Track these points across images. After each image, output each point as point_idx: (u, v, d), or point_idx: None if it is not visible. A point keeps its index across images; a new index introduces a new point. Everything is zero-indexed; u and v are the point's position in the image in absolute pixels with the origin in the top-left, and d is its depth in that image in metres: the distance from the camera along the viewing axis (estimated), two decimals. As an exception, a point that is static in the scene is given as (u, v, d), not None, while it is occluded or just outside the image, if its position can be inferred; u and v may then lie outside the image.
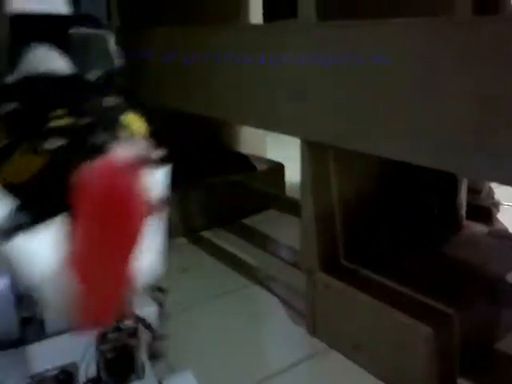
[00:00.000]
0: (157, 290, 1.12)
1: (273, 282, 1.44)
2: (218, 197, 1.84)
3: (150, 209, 0.44)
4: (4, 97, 0.53)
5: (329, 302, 1.17)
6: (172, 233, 1.70)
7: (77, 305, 0.46)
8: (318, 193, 1.18)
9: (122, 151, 0.43)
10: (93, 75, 0.56)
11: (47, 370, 0.83)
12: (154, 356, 0.96)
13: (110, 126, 0.53)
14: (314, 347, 1.17)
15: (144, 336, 0.94)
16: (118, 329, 0.91)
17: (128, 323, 0.92)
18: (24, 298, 0.83)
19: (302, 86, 1.13)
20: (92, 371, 0.87)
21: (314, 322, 1.20)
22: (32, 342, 0.76)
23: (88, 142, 0.51)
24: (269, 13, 2.12)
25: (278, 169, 2.04)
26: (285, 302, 1.34)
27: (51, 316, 0.46)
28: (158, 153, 0.54)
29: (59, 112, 0.53)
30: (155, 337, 0.97)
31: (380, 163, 1.16)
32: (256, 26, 1.85)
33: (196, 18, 1.75)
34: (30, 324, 0.81)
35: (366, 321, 1.10)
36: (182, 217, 1.76)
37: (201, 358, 1.12)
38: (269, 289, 1.41)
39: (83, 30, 0.60)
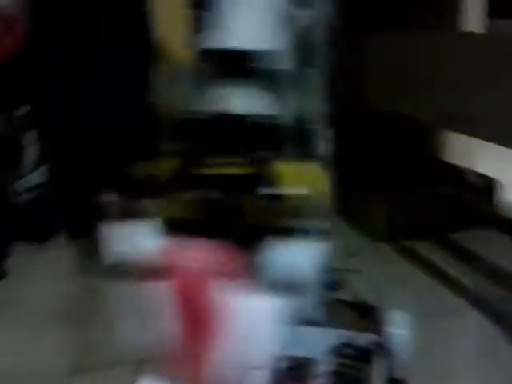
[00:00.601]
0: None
1: (487, 307, 1.34)
2: (426, 207, 1.77)
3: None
4: (183, 133, 0.52)
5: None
6: (375, 237, 1.70)
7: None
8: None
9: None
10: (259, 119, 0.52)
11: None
12: (393, 381, 0.94)
13: (270, 179, 0.50)
14: None
15: (382, 360, 0.93)
16: (354, 347, 0.91)
17: (368, 341, 0.92)
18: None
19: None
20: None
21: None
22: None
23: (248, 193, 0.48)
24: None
25: (490, 183, 1.90)
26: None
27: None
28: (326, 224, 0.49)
29: (231, 159, 0.51)
30: (396, 362, 0.95)
31: None
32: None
33: (412, 23, 1.70)
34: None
35: None
36: (386, 223, 1.74)
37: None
38: (483, 314, 1.31)
39: (289, 68, 0.57)
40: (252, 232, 0.50)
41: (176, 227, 0.47)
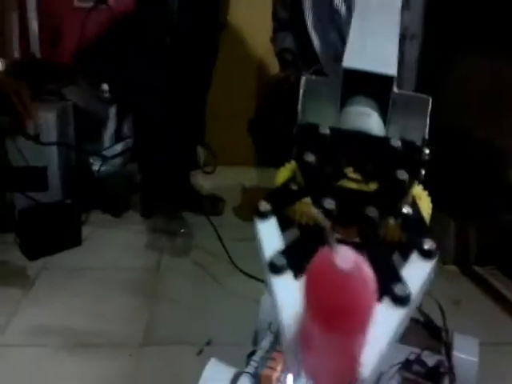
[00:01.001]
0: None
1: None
2: (499, 235, 1.75)
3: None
4: (310, 146, 0.52)
5: None
6: (444, 258, 1.69)
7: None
8: None
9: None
10: (398, 142, 0.52)
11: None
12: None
13: (396, 199, 0.50)
14: None
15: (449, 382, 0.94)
16: (424, 365, 0.92)
17: (437, 362, 0.93)
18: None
19: None
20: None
21: None
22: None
23: (365, 211, 0.48)
24: None
25: None
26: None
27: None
28: (429, 243, 0.49)
29: (352, 174, 0.51)
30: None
31: None
32: None
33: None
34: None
35: None
36: (456, 244, 1.73)
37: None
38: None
39: (405, 93, 0.58)
40: (387, 248, 0.51)
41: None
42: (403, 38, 1.04)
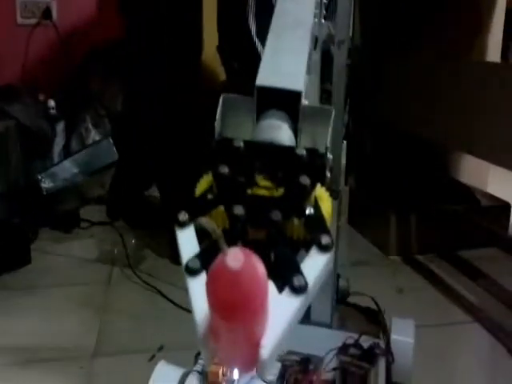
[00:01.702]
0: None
1: (488, 321, 1.40)
2: (438, 224, 1.83)
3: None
4: (225, 158, 0.58)
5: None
6: (387, 250, 1.76)
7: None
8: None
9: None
10: (302, 150, 0.58)
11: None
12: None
13: (299, 202, 0.55)
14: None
15: (384, 364, 0.99)
16: (360, 348, 0.97)
17: (373, 345, 0.98)
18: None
19: None
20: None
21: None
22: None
23: (270, 215, 0.54)
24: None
25: (503, 206, 1.96)
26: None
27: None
28: (326, 238, 0.55)
29: (263, 181, 0.57)
30: (399, 368, 1.01)
31: None
32: None
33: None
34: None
35: None
36: (398, 236, 1.80)
37: None
38: (485, 328, 1.38)
39: (311, 105, 0.64)
40: (290, 245, 0.56)
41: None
42: (331, 45, 1.10)
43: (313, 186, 0.55)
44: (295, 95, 0.60)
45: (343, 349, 0.96)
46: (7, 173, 1.87)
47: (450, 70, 1.58)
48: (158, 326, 1.36)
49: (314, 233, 0.54)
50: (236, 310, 0.41)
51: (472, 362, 1.31)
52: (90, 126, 2.31)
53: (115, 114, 2.32)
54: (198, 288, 0.50)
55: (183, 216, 0.56)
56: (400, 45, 1.85)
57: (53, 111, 2.32)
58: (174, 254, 1.68)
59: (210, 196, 0.57)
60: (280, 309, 0.47)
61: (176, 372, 0.94)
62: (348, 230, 1.98)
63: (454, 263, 1.76)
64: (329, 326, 1.12)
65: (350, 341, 0.98)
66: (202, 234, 0.56)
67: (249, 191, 0.55)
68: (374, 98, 1.89)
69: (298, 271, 0.50)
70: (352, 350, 0.96)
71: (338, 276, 1.18)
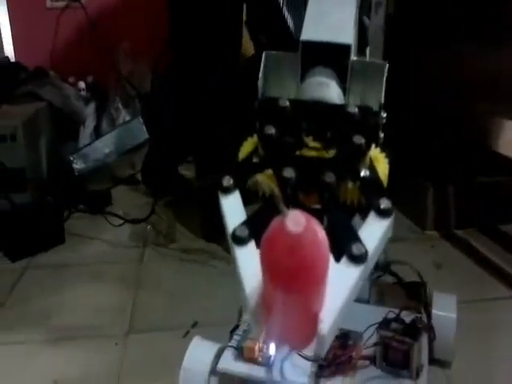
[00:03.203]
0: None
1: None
2: (477, 197, 1.77)
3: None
4: (271, 119, 0.53)
5: None
6: (424, 224, 1.71)
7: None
8: None
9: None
10: (354, 108, 0.53)
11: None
12: (436, 361, 0.97)
13: (354, 163, 0.51)
14: None
15: (426, 339, 0.95)
16: (401, 323, 0.93)
17: (415, 320, 0.94)
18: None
19: None
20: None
21: None
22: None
23: (323, 177, 0.49)
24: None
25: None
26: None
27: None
28: (385, 202, 0.49)
29: (312, 143, 0.52)
30: (441, 343, 0.97)
31: None
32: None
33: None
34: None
35: None
36: (436, 210, 1.75)
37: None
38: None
39: (362, 60, 0.59)
40: (346, 211, 0.53)
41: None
42: (364, 15, 1.05)
43: (368, 146, 0.51)
44: (344, 49, 0.56)
45: (384, 324, 0.92)
46: (39, 154, 1.88)
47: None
48: (191, 303, 1.34)
49: (370, 197, 0.50)
50: (295, 278, 0.37)
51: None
52: (120, 106, 2.30)
53: (145, 94, 2.31)
54: (247, 257, 0.46)
55: (227, 181, 0.52)
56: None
57: (83, 93, 2.33)
58: (207, 231, 1.66)
59: (255, 159, 0.54)
60: (339, 279, 0.43)
61: (211, 347, 0.93)
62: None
63: (494, 237, 1.69)
64: (366, 302, 1.09)
65: (391, 315, 0.95)
66: (250, 198, 0.53)
67: (298, 153, 0.51)
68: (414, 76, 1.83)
69: (357, 239, 0.46)
70: (393, 325, 0.92)
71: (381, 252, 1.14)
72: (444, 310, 1.07)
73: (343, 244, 0.46)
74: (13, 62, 2.36)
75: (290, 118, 0.53)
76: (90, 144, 2.11)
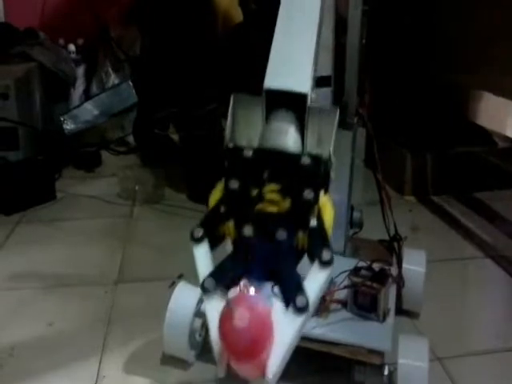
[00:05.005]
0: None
1: (501, 258, 1.43)
2: (454, 166, 1.84)
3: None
4: (235, 170, 0.60)
5: None
6: (403, 190, 1.78)
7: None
8: None
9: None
10: (307, 159, 0.59)
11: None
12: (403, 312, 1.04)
13: (304, 216, 0.58)
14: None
15: (395, 289, 1.03)
16: (371, 269, 1.00)
17: (384, 268, 1.01)
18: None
19: None
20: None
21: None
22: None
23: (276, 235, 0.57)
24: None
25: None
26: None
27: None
28: (326, 254, 0.58)
29: (270, 195, 0.58)
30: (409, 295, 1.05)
31: None
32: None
33: None
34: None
35: None
36: (413, 176, 1.82)
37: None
38: (497, 264, 1.41)
39: (317, 106, 0.65)
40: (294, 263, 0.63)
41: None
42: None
43: (317, 199, 0.58)
44: (301, 97, 0.62)
45: (355, 271, 0.99)
46: (31, 114, 1.91)
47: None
48: (178, 256, 1.40)
49: (316, 246, 0.58)
50: (243, 357, 0.50)
51: (482, 294, 1.34)
52: (110, 70, 2.33)
53: (134, 58, 2.33)
54: (213, 309, 0.55)
55: (197, 232, 0.61)
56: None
57: (73, 55, 2.34)
58: (192, 193, 1.73)
59: (222, 209, 0.61)
60: (286, 327, 0.53)
61: (196, 291, 0.99)
62: (365, 172, 1.99)
63: (469, 204, 1.77)
64: (342, 255, 1.15)
65: (361, 264, 1.02)
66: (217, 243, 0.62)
67: (258, 206, 0.58)
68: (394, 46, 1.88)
69: (302, 290, 0.55)
70: (363, 272, 0.99)
71: (352, 207, 1.21)
72: (414, 264, 1.14)
73: (290, 295, 0.55)
74: (3, 23, 2.36)
75: (253, 168, 0.59)
76: (79, 106, 2.14)
